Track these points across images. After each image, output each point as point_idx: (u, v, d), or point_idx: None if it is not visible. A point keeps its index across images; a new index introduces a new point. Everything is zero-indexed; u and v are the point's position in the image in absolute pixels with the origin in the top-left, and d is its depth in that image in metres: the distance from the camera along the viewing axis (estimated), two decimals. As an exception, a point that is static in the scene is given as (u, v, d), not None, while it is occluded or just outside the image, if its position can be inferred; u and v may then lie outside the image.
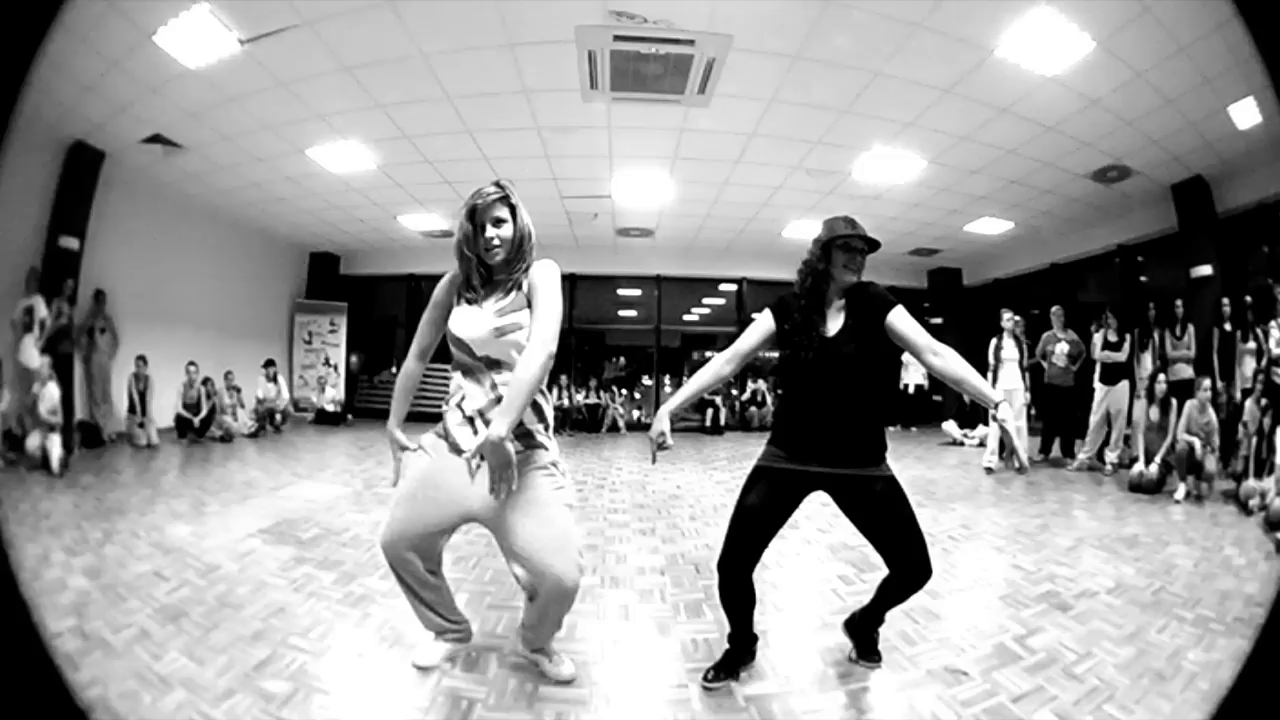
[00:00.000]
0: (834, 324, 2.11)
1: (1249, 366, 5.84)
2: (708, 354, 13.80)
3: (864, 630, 2.37)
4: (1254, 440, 4.61)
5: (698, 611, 2.79)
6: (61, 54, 4.58)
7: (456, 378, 2.01)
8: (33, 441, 5.03)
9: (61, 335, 6.19)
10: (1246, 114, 5.32)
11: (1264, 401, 4.83)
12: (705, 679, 2.19)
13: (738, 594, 2.15)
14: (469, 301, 1.98)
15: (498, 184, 1.98)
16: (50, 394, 5.21)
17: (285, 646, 2.38)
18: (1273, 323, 5.69)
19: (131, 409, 7.08)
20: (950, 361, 1.99)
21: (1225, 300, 6.25)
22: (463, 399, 1.96)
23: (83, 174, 6.55)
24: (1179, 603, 2.87)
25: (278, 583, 3.04)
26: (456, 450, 1.94)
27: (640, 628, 2.67)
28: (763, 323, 2.19)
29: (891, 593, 2.19)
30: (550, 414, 2.02)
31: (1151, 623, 2.65)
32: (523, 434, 1.91)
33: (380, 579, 3.04)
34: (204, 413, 7.63)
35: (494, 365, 1.93)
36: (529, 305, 1.92)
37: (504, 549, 1.93)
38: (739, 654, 2.26)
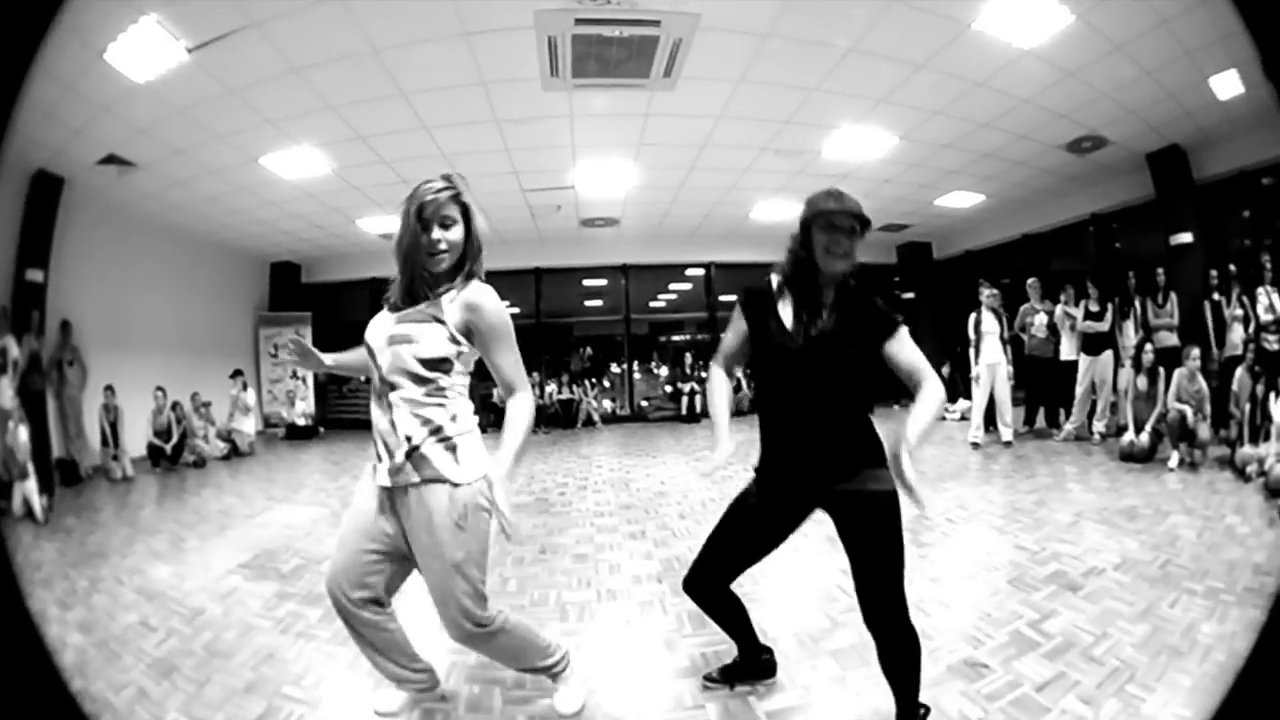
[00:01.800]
0: (811, 315, 1.78)
1: (1238, 333, 5.89)
2: (674, 338, 13.85)
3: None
4: (1248, 407, 4.63)
5: (702, 622, 2.61)
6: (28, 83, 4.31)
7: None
8: (16, 497, 4.83)
9: (32, 371, 6.00)
10: (1228, 85, 5.34)
11: (1256, 368, 4.85)
12: (705, 678, 2.16)
13: (715, 609, 2.04)
14: (391, 308, 1.77)
15: (446, 178, 1.71)
16: (21, 438, 5.01)
17: (280, 698, 2.27)
18: (1259, 290, 5.75)
19: (104, 441, 6.90)
20: (923, 395, 1.72)
21: (1214, 272, 6.34)
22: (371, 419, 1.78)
23: (45, 203, 6.34)
24: (1187, 575, 2.84)
25: (263, 624, 2.93)
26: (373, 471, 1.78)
27: (645, 644, 2.56)
28: (735, 322, 1.92)
29: (885, 669, 1.83)
30: (462, 423, 1.75)
31: (1162, 597, 2.63)
32: (412, 452, 1.69)
33: None
34: (175, 439, 7.43)
35: (388, 378, 1.70)
36: (441, 325, 1.69)
37: None
38: (748, 665, 2.15)
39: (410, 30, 4.37)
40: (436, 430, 1.69)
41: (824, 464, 1.78)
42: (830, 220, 1.72)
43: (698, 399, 10.65)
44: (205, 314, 9.40)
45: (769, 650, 2.19)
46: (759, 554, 1.93)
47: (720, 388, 1.96)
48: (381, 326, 1.75)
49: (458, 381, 1.74)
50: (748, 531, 1.91)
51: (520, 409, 1.69)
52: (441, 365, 1.69)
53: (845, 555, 1.80)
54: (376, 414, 1.73)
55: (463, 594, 1.71)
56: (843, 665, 2.29)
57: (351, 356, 2.01)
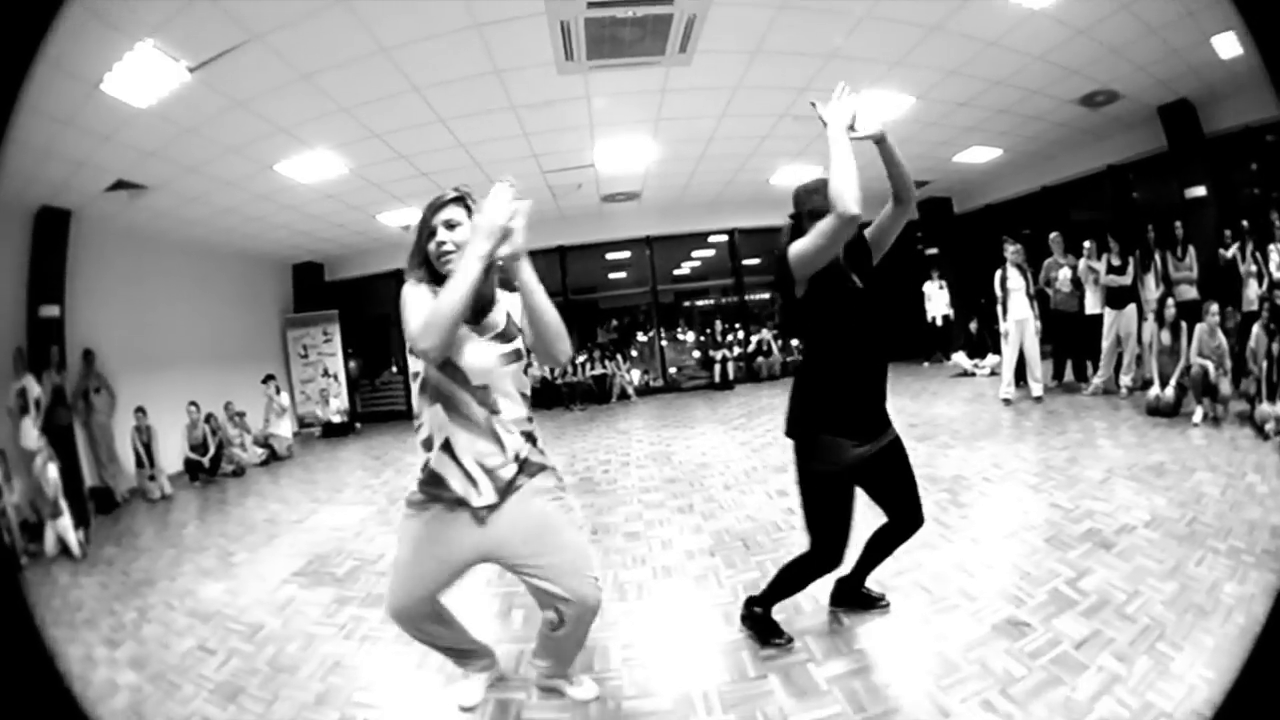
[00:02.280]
0: (856, 277, 2.04)
1: (1253, 290, 5.88)
2: (699, 303, 13.96)
3: (853, 591, 2.48)
4: (1264, 364, 4.61)
5: (756, 590, 2.74)
6: (11, 128, 4.37)
7: (433, 414, 1.75)
8: (49, 537, 4.67)
9: (57, 405, 5.96)
10: (1228, 45, 5.37)
11: (1272, 326, 4.82)
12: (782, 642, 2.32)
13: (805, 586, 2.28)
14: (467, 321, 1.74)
15: (456, 189, 1.79)
16: (50, 476, 4.90)
17: (352, 706, 2.28)
18: (1271, 246, 5.72)
19: (139, 463, 6.84)
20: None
21: (1227, 232, 6.33)
22: (446, 443, 1.74)
23: (53, 238, 6.32)
24: (1211, 533, 2.88)
25: (325, 632, 2.93)
26: (457, 503, 1.76)
27: (706, 618, 2.66)
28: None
29: (887, 543, 2.31)
30: (532, 421, 1.87)
31: (1189, 556, 2.68)
32: (522, 463, 1.80)
33: None
34: (211, 451, 7.40)
35: (490, 401, 1.73)
36: (517, 329, 1.79)
37: (525, 583, 1.85)
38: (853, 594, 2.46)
39: (418, 28, 4.36)
40: (528, 434, 1.83)
41: (879, 415, 2.09)
42: (820, 209, 1.91)
43: (730, 366, 10.74)
44: (231, 323, 9.41)
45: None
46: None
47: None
48: (478, 347, 1.73)
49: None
50: (848, 503, 2.09)
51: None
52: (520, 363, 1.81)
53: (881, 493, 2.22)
54: (465, 437, 1.73)
55: (589, 558, 1.87)
56: (894, 628, 2.40)
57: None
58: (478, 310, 1.73)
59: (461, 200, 1.76)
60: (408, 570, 1.85)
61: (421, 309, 1.59)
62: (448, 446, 1.73)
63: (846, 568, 2.32)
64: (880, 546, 2.34)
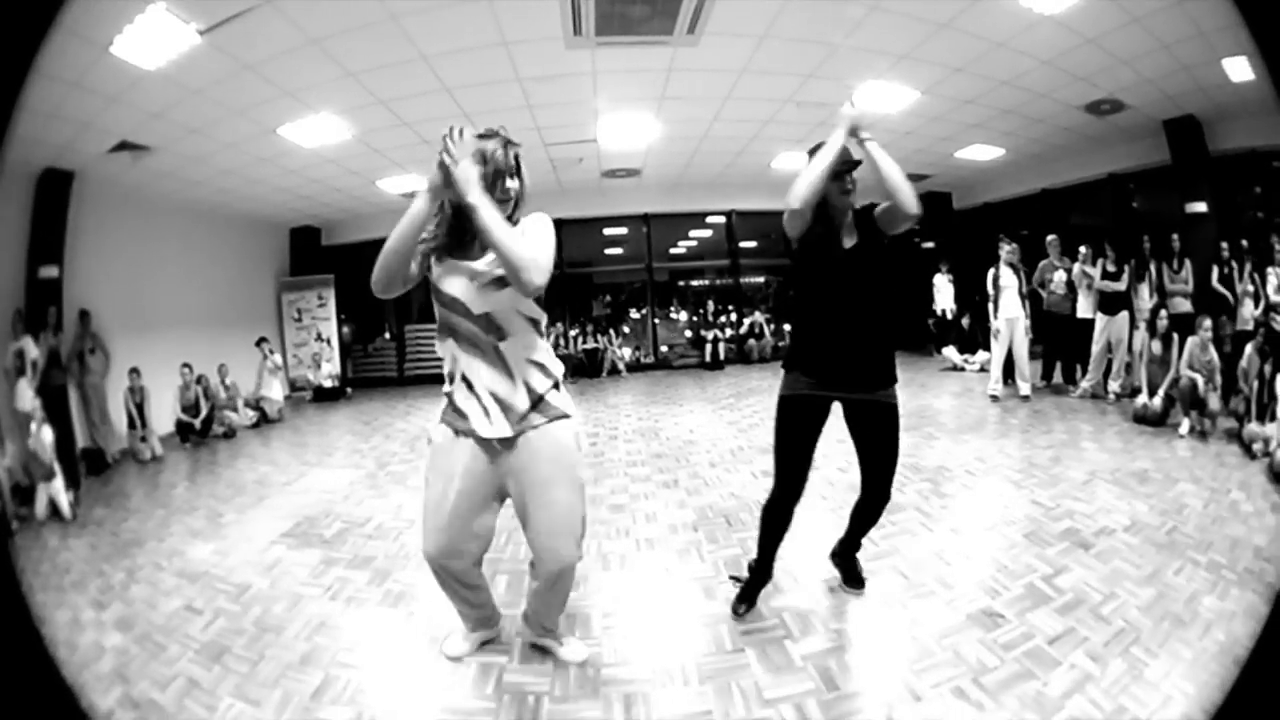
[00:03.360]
0: (848, 240, 2.21)
1: (1249, 309, 5.92)
2: (693, 283, 14.01)
3: (847, 559, 2.58)
4: (1255, 384, 4.64)
5: (737, 567, 2.82)
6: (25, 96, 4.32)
7: (448, 349, 1.87)
8: (40, 500, 4.63)
9: (52, 366, 5.94)
10: (1240, 69, 5.35)
11: (1265, 348, 4.87)
12: (735, 608, 2.42)
13: (784, 521, 2.34)
14: (451, 253, 1.85)
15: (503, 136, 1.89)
16: (45, 439, 4.84)
17: (337, 666, 2.32)
18: (1270, 269, 5.77)
19: (131, 424, 6.76)
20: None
21: (1224, 245, 6.36)
22: (463, 375, 1.85)
23: (55, 199, 6.27)
24: (1192, 545, 2.91)
25: (312, 592, 2.96)
26: (471, 435, 1.86)
27: (686, 591, 2.72)
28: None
29: (864, 518, 2.43)
30: (559, 369, 1.95)
31: (1168, 564, 2.71)
32: (536, 400, 1.86)
33: (415, 569, 3.05)
34: (204, 413, 7.32)
35: (491, 328, 1.80)
36: None
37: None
38: (762, 579, 2.49)
39: (430, -4, 4.31)
40: (547, 371, 1.90)
41: (851, 369, 2.18)
42: (836, 170, 2.10)
43: (721, 346, 10.80)
44: (227, 285, 9.37)
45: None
46: (811, 454, 2.28)
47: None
48: (468, 273, 1.82)
49: (542, 313, 1.92)
50: (801, 432, 2.25)
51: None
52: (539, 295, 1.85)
53: (862, 452, 2.31)
54: (478, 365, 1.83)
55: (581, 517, 1.93)
56: (870, 611, 2.47)
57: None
58: (465, 242, 1.84)
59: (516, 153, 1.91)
60: (437, 508, 1.91)
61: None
62: (464, 377, 1.85)
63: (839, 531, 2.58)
64: (857, 519, 2.46)
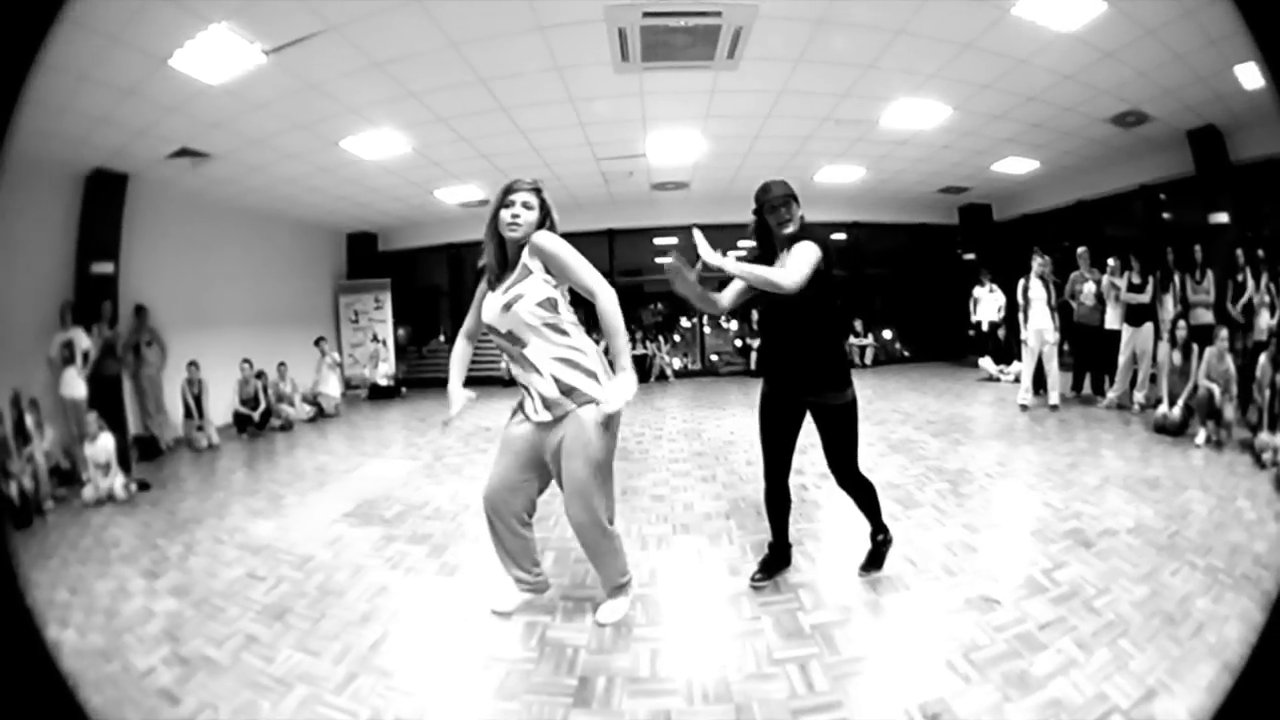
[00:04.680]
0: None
1: (1264, 320, 5.91)
2: None
3: (872, 541, 2.86)
4: (1268, 394, 4.67)
5: (763, 550, 3.03)
6: (54, 95, 4.66)
7: (505, 359, 2.40)
8: (89, 493, 4.76)
9: (106, 356, 6.19)
10: (1251, 76, 5.37)
11: (1278, 358, 4.88)
12: (753, 579, 2.76)
13: (778, 499, 2.72)
14: (492, 287, 2.33)
15: (534, 181, 2.33)
16: (104, 445, 5.01)
17: (396, 622, 2.55)
18: None
19: (188, 414, 7.04)
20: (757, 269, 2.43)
21: (1239, 251, 6.33)
22: (511, 375, 2.38)
23: (107, 198, 6.55)
24: (1191, 548, 2.98)
25: (373, 563, 3.18)
26: (523, 414, 2.36)
27: (714, 570, 3.02)
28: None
29: (855, 501, 2.74)
30: (596, 363, 2.33)
31: (1165, 565, 2.80)
32: (566, 389, 2.27)
33: (471, 544, 3.35)
34: (263, 407, 7.58)
35: (514, 340, 2.27)
36: (531, 274, 2.25)
37: None
38: (779, 558, 2.83)
39: (487, 26, 4.66)
40: (575, 365, 2.29)
41: (802, 377, 2.52)
42: (769, 203, 2.51)
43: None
44: (285, 287, 9.75)
45: (791, 546, 2.91)
46: (786, 440, 2.66)
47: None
48: (492, 303, 2.29)
49: (568, 317, 2.33)
50: (769, 423, 2.64)
51: (607, 310, 2.20)
52: (551, 304, 2.25)
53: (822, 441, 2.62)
54: (518, 371, 2.32)
55: (599, 488, 2.32)
56: (876, 591, 2.72)
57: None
58: (497, 277, 2.33)
59: (538, 190, 2.30)
60: (497, 463, 2.42)
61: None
62: (513, 376, 2.38)
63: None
64: (862, 507, 2.79)
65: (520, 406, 2.39)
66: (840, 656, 2.24)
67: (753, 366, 10.98)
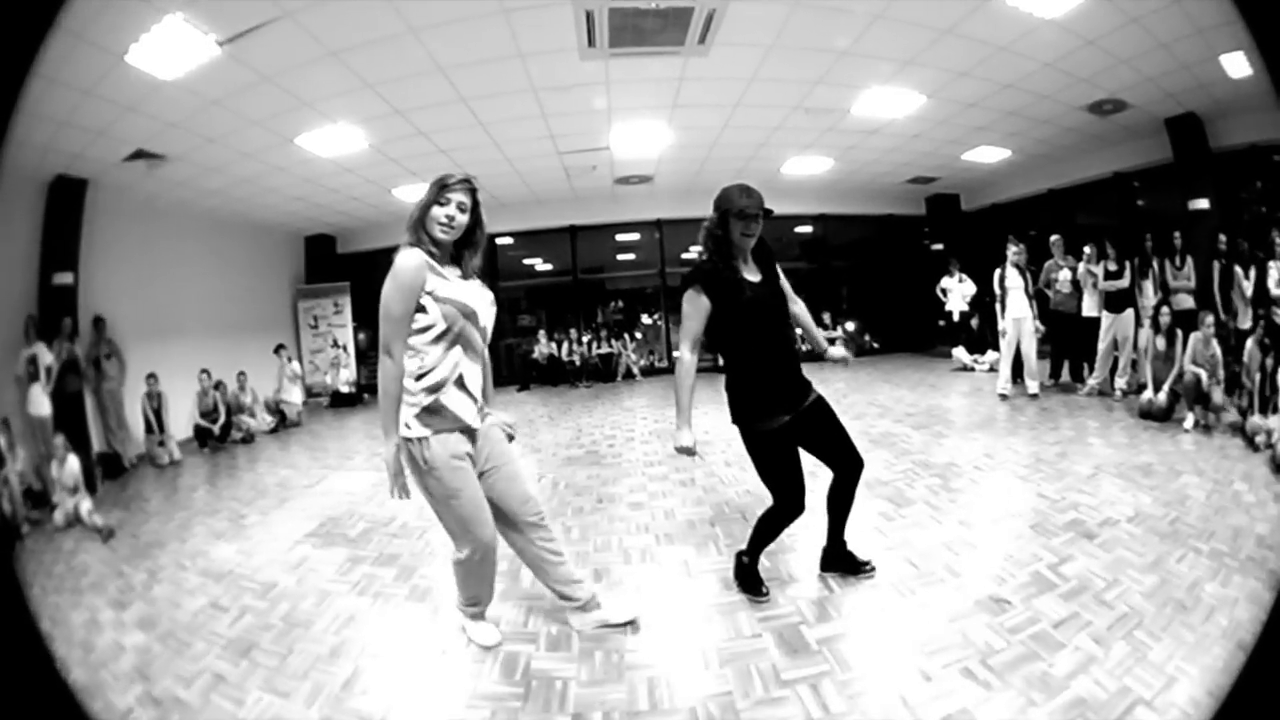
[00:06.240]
0: (753, 275, 2.41)
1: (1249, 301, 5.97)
2: None
3: (838, 554, 2.71)
4: (1257, 378, 4.70)
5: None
6: (30, 103, 4.41)
7: (451, 356, 2.08)
8: (59, 517, 4.56)
9: (67, 372, 5.97)
10: (1237, 65, 5.44)
11: (1266, 341, 4.92)
12: (760, 594, 2.60)
13: (777, 536, 2.61)
14: (449, 273, 2.11)
15: (467, 178, 2.12)
16: (71, 470, 4.80)
17: (367, 658, 2.37)
18: (1271, 264, 5.80)
19: (149, 429, 6.81)
20: (801, 308, 2.61)
21: (1222, 237, 6.42)
22: (460, 379, 2.10)
23: (67, 207, 6.31)
24: (1194, 534, 2.96)
25: (339, 589, 3.01)
26: (462, 430, 2.12)
27: (705, 583, 2.83)
28: (698, 302, 2.37)
29: (842, 498, 2.59)
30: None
31: (1170, 552, 2.77)
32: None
33: (441, 565, 3.10)
34: (221, 419, 7.39)
35: (486, 339, 2.18)
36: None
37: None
38: (755, 567, 2.70)
39: (448, 10, 4.45)
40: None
41: (794, 385, 2.44)
42: (744, 211, 2.30)
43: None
44: (243, 293, 9.44)
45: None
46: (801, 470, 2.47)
47: (685, 374, 2.42)
48: (481, 294, 2.15)
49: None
50: (790, 461, 2.43)
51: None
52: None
53: (819, 449, 2.53)
54: (473, 370, 2.15)
55: (527, 480, 2.30)
56: (881, 598, 2.57)
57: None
58: (458, 258, 2.16)
59: (471, 188, 2.09)
60: (475, 504, 2.15)
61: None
62: (461, 380, 2.10)
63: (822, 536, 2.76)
64: (836, 505, 2.62)
65: (447, 419, 2.17)
66: (853, 673, 2.07)
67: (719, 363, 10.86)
